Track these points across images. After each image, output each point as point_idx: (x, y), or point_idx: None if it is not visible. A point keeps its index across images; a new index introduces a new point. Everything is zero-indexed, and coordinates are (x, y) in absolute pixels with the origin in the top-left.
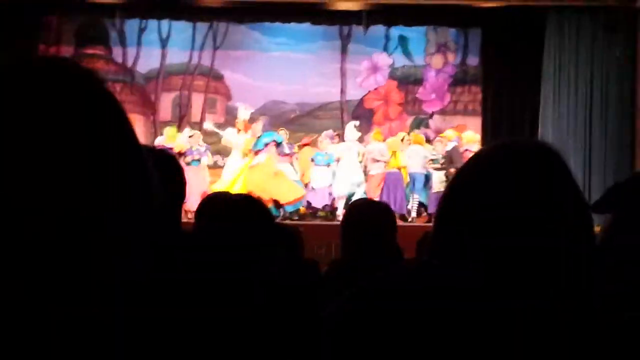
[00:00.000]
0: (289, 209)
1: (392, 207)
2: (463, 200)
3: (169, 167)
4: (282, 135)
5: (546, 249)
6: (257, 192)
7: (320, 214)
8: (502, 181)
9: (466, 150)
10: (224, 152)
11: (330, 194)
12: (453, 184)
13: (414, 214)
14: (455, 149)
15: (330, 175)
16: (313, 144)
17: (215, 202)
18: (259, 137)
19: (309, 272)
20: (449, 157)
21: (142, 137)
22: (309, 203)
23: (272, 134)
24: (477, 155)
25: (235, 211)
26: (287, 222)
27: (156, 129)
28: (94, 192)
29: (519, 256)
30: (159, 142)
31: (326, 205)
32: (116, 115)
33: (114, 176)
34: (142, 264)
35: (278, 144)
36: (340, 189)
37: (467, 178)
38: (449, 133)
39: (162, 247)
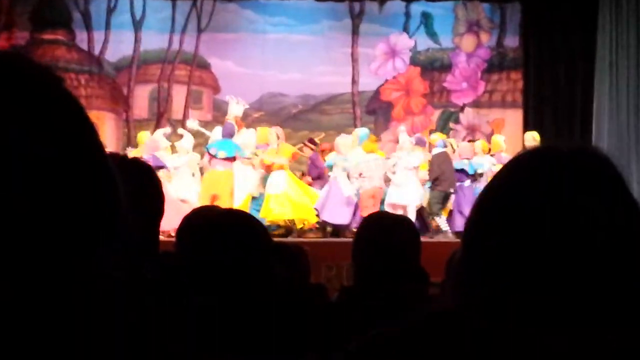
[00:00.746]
0: None
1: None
2: (491, 223)
3: (142, 179)
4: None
5: (597, 281)
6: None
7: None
8: (539, 201)
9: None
10: None
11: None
12: (482, 199)
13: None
14: (439, 156)
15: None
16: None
17: (200, 219)
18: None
19: (314, 299)
20: (432, 166)
21: (112, 139)
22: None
23: (226, 144)
24: (511, 165)
25: (223, 229)
26: (288, 239)
27: (130, 129)
28: (46, 214)
29: (561, 295)
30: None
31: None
32: (75, 122)
33: (71, 194)
34: (109, 297)
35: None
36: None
37: (496, 193)
38: (434, 137)
39: (136, 274)
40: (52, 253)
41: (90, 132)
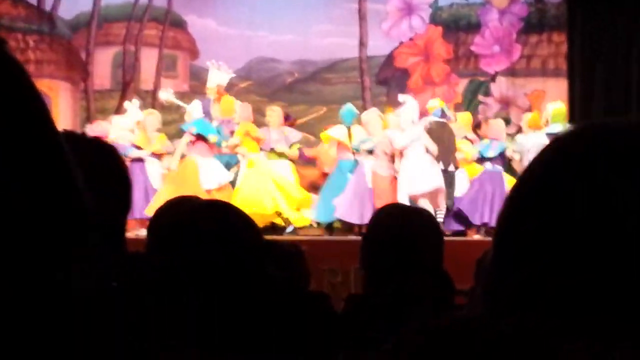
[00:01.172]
0: None
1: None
2: (526, 208)
3: (105, 164)
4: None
5: (623, 268)
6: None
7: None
8: (590, 188)
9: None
10: None
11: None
12: (518, 188)
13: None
14: (439, 126)
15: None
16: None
17: (176, 213)
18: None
19: (314, 311)
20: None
21: (68, 113)
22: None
23: (205, 126)
24: (553, 146)
25: (201, 223)
26: (282, 237)
27: (89, 101)
28: None
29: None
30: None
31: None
32: (17, 93)
33: (12, 185)
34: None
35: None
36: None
37: (535, 181)
38: (433, 103)
39: (99, 276)
40: None
41: (37, 106)
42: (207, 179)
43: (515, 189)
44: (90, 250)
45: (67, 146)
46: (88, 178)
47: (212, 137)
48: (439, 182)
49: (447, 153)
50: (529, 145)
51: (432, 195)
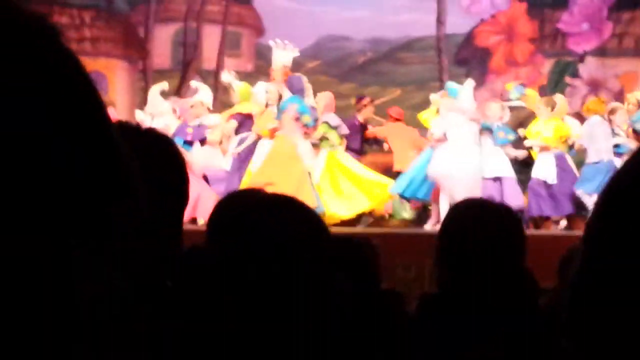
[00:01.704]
0: None
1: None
2: (622, 215)
3: (162, 157)
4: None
5: None
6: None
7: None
8: None
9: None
10: None
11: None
12: (614, 185)
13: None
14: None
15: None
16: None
17: (237, 206)
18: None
19: (386, 310)
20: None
21: (125, 94)
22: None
23: (294, 100)
24: None
25: (267, 218)
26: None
27: (148, 82)
28: (29, 198)
29: None
30: (150, 111)
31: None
32: (69, 84)
33: (62, 180)
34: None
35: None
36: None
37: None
38: (517, 90)
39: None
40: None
41: (90, 98)
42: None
43: (615, 189)
44: (124, 250)
45: (122, 139)
46: (145, 171)
47: (306, 118)
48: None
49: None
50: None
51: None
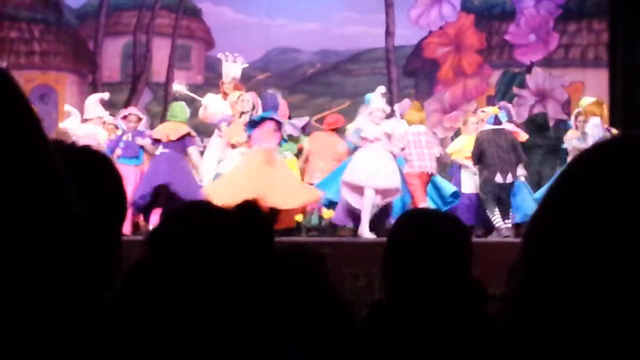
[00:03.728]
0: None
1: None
2: (556, 235)
3: (97, 175)
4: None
5: None
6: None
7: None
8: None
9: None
10: (205, 132)
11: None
12: (546, 205)
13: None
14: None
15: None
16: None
17: (182, 220)
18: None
19: (336, 319)
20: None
21: (75, 107)
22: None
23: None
24: (584, 159)
25: (214, 231)
26: (299, 239)
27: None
28: None
29: None
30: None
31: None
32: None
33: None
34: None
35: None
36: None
37: (566, 197)
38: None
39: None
40: None
41: (23, 116)
42: None
43: (551, 197)
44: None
45: (58, 157)
46: (80, 189)
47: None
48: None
49: (504, 163)
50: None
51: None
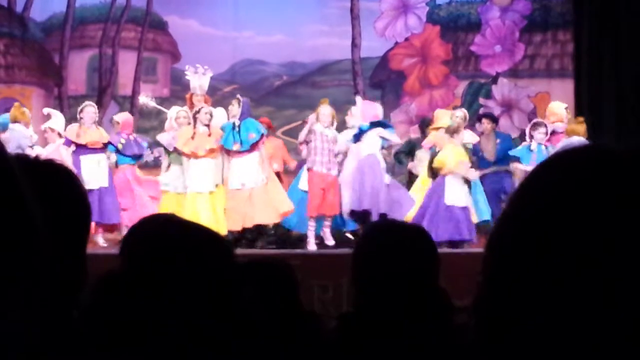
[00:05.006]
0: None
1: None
2: (518, 244)
3: (61, 188)
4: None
5: None
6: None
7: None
8: (591, 224)
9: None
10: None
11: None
12: (507, 214)
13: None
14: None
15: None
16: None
17: (148, 233)
18: (238, 129)
19: (304, 330)
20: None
21: (40, 121)
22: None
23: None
24: (546, 168)
25: (180, 243)
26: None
27: (63, 108)
28: None
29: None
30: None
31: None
32: None
33: None
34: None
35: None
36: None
37: (528, 209)
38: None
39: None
40: None
41: None
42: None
43: (513, 209)
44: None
45: (20, 171)
46: (43, 204)
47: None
48: None
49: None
50: None
51: None
